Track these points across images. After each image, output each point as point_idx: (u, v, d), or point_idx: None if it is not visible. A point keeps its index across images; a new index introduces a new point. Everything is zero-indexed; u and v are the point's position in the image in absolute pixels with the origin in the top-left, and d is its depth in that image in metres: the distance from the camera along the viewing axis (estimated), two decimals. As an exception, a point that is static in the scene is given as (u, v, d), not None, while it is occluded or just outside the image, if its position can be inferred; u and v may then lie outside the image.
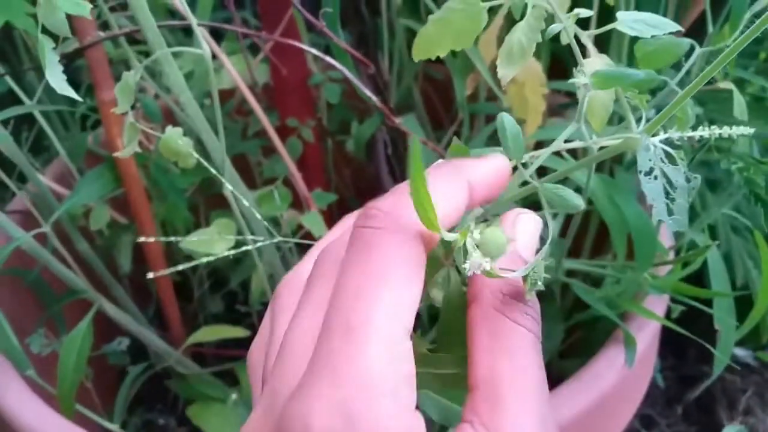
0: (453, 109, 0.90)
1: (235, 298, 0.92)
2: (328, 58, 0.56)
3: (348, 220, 0.34)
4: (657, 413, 1.03)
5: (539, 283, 0.29)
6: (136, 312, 0.76)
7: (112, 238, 0.78)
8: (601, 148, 0.42)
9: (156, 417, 0.82)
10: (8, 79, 0.70)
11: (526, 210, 0.34)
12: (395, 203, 0.28)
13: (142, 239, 0.56)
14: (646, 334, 0.61)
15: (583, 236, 0.72)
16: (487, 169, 0.33)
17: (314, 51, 0.56)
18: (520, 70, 0.65)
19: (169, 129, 0.53)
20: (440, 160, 0.34)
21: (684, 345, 1.07)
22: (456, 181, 0.31)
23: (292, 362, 0.28)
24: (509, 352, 0.28)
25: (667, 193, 0.39)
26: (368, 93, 0.57)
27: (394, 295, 0.26)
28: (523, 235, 0.32)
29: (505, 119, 0.35)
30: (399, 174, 0.82)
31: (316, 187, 0.80)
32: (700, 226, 0.63)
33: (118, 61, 0.71)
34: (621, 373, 0.58)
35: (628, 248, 0.63)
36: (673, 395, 1.05)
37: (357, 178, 0.94)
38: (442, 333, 0.33)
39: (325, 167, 0.88)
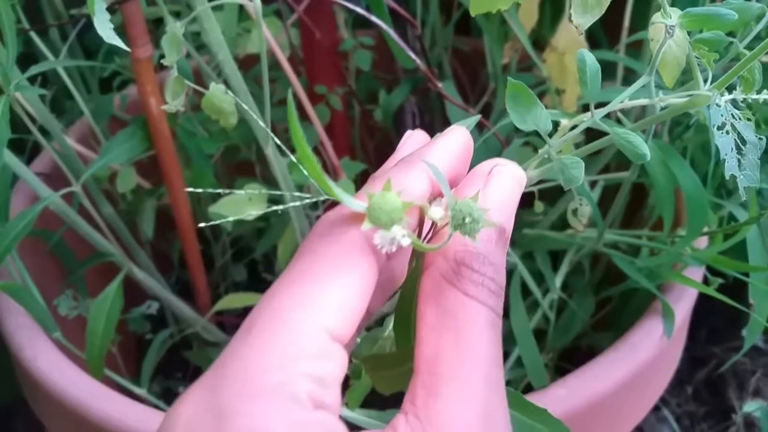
0: (479, 82, 0.89)
1: (255, 268, 0.91)
2: (373, 18, 0.55)
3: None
4: (667, 392, 1.03)
5: (466, 221, 0.24)
6: (159, 279, 0.75)
7: (135, 203, 0.77)
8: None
9: (176, 385, 0.81)
10: (34, 36, 0.69)
11: (503, 160, 0.28)
12: (341, 211, 0.26)
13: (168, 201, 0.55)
14: (683, 306, 0.60)
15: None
16: (446, 148, 0.28)
17: (358, 9, 0.55)
18: (561, 38, 0.64)
19: (213, 86, 0.51)
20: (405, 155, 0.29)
21: (694, 327, 1.07)
22: (413, 173, 0.26)
23: None
24: (455, 330, 0.24)
25: (737, 149, 0.38)
26: (412, 55, 0.56)
27: (313, 293, 0.23)
28: (498, 192, 0.27)
29: (586, 55, 0.35)
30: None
31: (342, 156, 0.79)
32: (737, 200, 0.62)
33: (147, 20, 0.69)
34: (659, 344, 0.58)
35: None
36: (683, 376, 1.05)
37: (380, 151, 0.93)
38: (396, 323, 0.29)
39: (351, 137, 0.88)
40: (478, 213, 0.23)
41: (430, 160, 0.26)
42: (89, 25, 0.81)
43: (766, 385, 1.06)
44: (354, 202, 0.24)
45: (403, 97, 0.81)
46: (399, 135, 0.85)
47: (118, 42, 0.45)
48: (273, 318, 0.23)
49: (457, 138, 0.29)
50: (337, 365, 0.23)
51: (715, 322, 1.06)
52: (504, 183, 0.27)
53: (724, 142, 0.37)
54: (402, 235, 0.23)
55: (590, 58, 0.35)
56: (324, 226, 0.25)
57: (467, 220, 0.23)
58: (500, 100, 0.75)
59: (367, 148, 0.92)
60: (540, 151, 0.42)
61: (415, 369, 0.25)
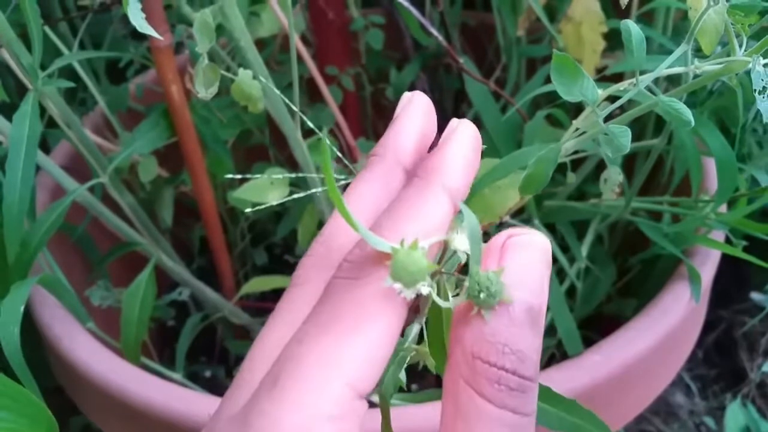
0: (487, 57, 0.89)
1: (272, 252, 0.92)
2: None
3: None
4: (678, 357, 1.05)
5: (489, 296, 0.22)
6: (183, 266, 0.75)
7: (153, 192, 0.77)
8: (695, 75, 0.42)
9: (202, 369, 0.81)
10: (47, 30, 0.69)
11: (520, 230, 0.24)
12: (364, 250, 0.24)
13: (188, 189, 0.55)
14: (708, 270, 0.61)
15: (631, 176, 0.73)
16: (463, 156, 0.26)
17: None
18: (577, 9, 0.64)
19: (242, 72, 0.52)
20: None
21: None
22: (432, 199, 0.24)
23: (235, 397, 0.24)
24: None
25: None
26: (434, 31, 0.56)
27: (338, 347, 0.22)
28: (521, 266, 0.23)
29: (631, 26, 0.35)
30: (439, 120, 0.82)
31: (356, 136, 0.79)
32: (757, 165, 0.63)
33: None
34: (687, 308, 0.59)
35: (684, 184, 0.64)
36: (694, 339, 1.07)
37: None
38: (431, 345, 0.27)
39: (362, 118, 0.88)
40: (496, 288, 0.22)
41: (449, 177, 0.25)
42: (94, 17, 0.81)
43: (776, 347, 1.08)
44: (380, 242, 0.23)
45: (414, 75, 0.81)
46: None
47: (151, 31, 0.45)
48: (298, 373, 0.22)
49: (469, 137, 0.27)
50: (358, 420, 0.22)
51: (722, 286, 1.08)
52: (527, 255, 0.23)
53: (766, 107, 0.38)
54: (424, 286, 0.22)
55: (634, 28, 0.36)
56: (348, 270, 0.24)
57: (482, 294, 0.21)
58: (513, 74, 0.76)
59: (377, 127, 0.93)
60: (579, 119, 0.42)
61: None
